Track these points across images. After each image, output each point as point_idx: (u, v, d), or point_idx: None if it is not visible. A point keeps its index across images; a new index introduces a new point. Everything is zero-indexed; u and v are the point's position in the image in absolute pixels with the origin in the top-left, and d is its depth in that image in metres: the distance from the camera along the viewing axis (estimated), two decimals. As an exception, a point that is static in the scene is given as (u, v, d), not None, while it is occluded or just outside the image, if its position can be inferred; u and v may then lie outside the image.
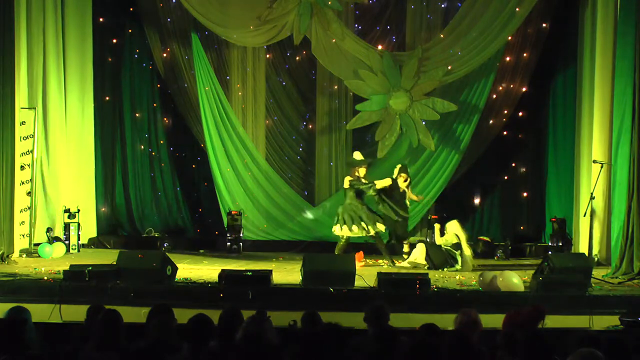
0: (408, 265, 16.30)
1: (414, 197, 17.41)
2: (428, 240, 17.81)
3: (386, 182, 16.87)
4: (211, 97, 19.44)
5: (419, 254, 16.31)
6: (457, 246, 16.26)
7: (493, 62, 18.86)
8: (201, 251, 18.85)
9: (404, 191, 16.97)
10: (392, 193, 16.90)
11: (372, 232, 16.59)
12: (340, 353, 6.36)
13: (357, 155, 17.17)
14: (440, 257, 16.21)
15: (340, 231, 16.60)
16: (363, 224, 16.50)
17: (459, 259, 16.16)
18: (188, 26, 19.66)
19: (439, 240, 16.49)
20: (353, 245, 17.12)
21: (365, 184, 16.68)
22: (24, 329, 7.06)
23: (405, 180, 16.99)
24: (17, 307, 7.64)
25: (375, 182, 16.73)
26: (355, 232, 16.55)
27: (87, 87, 19.38)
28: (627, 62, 15.62)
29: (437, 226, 16.74)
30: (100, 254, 17.73)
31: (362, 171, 16.79)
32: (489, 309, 10.51)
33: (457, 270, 15.89)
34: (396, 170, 17.09)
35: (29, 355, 6.71)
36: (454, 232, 16.38)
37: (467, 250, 16.21)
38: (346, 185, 16.80)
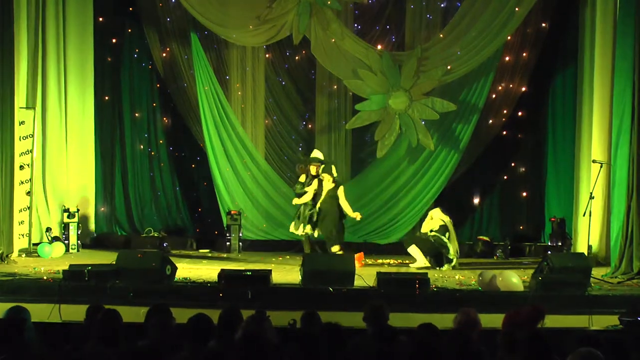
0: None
1: (351, 214, 16.85)
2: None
3: (314, 186, 16.76)
4: (210, 96, 19.42)
5: (419, 258, 16.35)
6: (444, 229, 16.32)
7: (492, 62, 18.83)
8: (207, 251, 18.91)
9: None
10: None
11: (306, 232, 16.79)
12: (339, 353, 6.36)
13: (317, 154, 17.11)
14: (429, 245, 16.29)
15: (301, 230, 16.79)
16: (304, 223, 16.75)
17: (450, 246, 16.21)
18: (187, 26, 19.65)
19: (424, 228, 16.55)
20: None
21: (301, 191, 16.86)
22: (23, 328, 7.06)
23: (333, 182, 16.75)
24: (16, 307, 7.64)
25: (307, 189, 16.78)
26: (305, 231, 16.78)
27: (87, 87, 19.34)
28: (626, 62, 15.64)
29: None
30: (99, 254, 17.72)
31: (312, 169, 16.73)
32: (489, 309, 10.52)
33: (454, 268, 15.96)
34: (319, 170, 16.86)
35: (28, 355, 6.71)
36: (439, 217, 16.44)
37: (454, 234, 16.43)
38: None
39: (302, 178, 16.96)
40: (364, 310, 8.30)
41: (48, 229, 17.99)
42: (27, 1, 17.60)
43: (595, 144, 16.94)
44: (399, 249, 17.82)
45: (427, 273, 13.77)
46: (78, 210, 18.38)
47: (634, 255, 15.06)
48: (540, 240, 19.49)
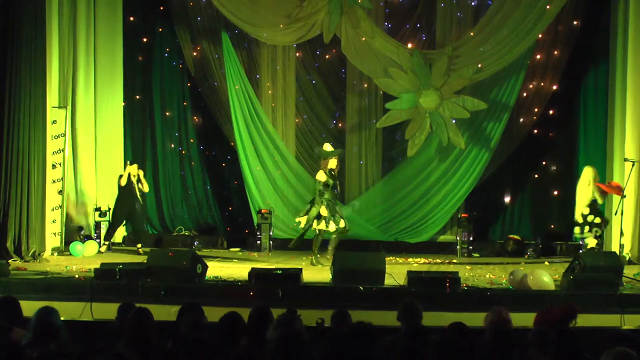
0: None
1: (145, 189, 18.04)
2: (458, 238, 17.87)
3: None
4: (241, 95, 19.46)
5: None
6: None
7: (523, 60, 18.76)
8: (238, 250, 18.91)
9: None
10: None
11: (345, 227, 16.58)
12: (369, 352, 6.35)
13: (327, 147, 16.92)
14: None
15: (327, 227, 16.33)
16: (340, 219, 16.49)
17: None
18: (218, 25, 19.71)
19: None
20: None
21: (327, 185, 16.33)
22: (57, 330, 7.12)
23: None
24: (46, 308, 7.61)
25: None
26: (336, 227, 16.40)
27: (117, 86, 19.45)
28: (659, 59, 15.58)
29: None
30: (130, 253, 17.80)
31: (332, 163, 16.45)
32: (520, 308, 10.49)
33: None
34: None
35: (60, 353, 6.74)
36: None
37: None
38: (322, 179, 16.35)
39: (322, 174, 16.46)
40: (397, 309, 8.28)
41: (80, 228, 18.09)
42: (59, 1, 17.72)
43: (627, 142, 16.85)
44: (429, 248, 17.79)
45: (457, 272, 13.73)
46: (109, 208, 18.43)
47: (666, 254, 14.99)
48: (571, 239, 19.34)
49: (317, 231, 16.46)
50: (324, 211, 16.20)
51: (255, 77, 19.93)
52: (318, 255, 16.45)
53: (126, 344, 6.94)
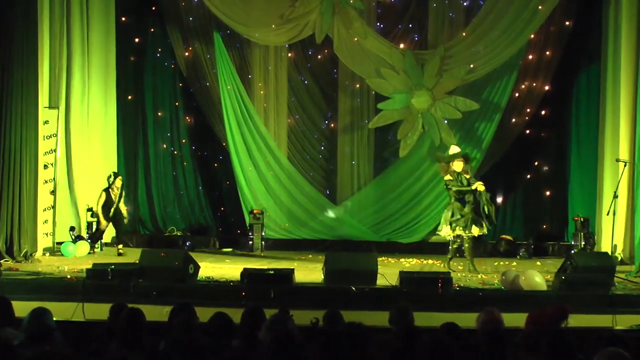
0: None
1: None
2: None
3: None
4: (233, 95, 19.45)
5: None
6: None
7: (515, 60, 18.80)
8: (230, 250, 18.89)
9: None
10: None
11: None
12: (361, 352, 6.35)
13: (453, 149, 15.75)
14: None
15: (452, 232, 15.35)
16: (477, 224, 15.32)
17: None
18: (210, 25, 19.71)
19: None
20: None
21: (456, 184, 15.26)
22: (52, 331, 7.11)
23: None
24: (39, 309, 7.59)
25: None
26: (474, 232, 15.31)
27: (109, 87, 19.42)
28: (651, 60, 15.60)
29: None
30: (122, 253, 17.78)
31: (457, 165, 15.31)
32: (512, 308, 10.49)
33: None
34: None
35: (54, 354, 6.73)
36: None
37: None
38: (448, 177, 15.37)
39: (448, 177, 15.41)
40: (390, 312, 8.27)
41: (72, 228, 18.05)
42: (50, 2, 17.67)
43: (619, 142, 16.87)
44: (421, 248, 17.79)
45: (449, 272, 13.75)
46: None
47: (659, 254, 15.00)
48: (563, 240, 19.39)
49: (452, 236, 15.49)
50: (459, 214, 15.27)
51: (247, 77, 19.92)
52: (451, 261, 15.69)
53: (118, 344, 6.92)
